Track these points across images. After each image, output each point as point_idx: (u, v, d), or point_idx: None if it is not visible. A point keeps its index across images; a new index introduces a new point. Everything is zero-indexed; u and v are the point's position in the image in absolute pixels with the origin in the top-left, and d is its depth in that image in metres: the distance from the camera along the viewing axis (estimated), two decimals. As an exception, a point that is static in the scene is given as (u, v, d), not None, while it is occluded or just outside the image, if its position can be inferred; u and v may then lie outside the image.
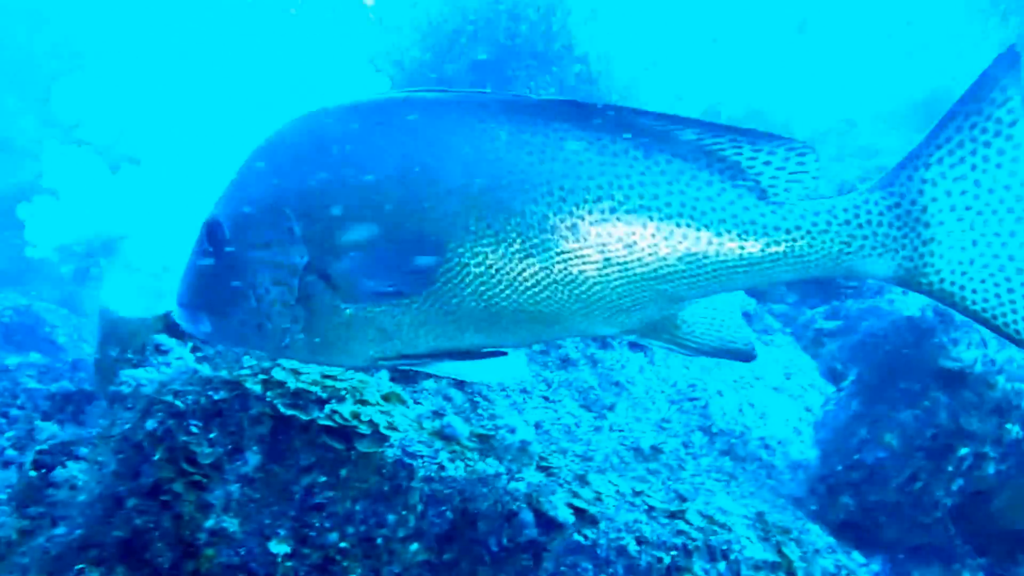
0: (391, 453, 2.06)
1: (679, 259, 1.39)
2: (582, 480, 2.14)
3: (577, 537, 2.03)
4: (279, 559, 1.98)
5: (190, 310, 1.51)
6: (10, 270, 9.65)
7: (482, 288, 1.38)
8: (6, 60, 12.76)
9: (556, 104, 1.38)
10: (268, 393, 2.08)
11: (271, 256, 1.42)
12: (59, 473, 2.18)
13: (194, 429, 2.05)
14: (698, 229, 1.39)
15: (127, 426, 2.12)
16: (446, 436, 2.13)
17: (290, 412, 2.06)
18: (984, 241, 1.37)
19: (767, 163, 1.41)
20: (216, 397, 2.08)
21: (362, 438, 2.05)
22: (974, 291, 1.39)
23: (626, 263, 1.39)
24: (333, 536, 2.01)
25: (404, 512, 2.03)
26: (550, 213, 1.36)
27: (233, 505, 2.01)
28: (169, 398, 2.07)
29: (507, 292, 1.38)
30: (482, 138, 1.37)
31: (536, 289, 1.39)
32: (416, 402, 2.31)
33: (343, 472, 2.04)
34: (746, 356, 1.54)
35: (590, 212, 1.37)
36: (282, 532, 2.01)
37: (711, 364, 2.81)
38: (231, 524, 1.99)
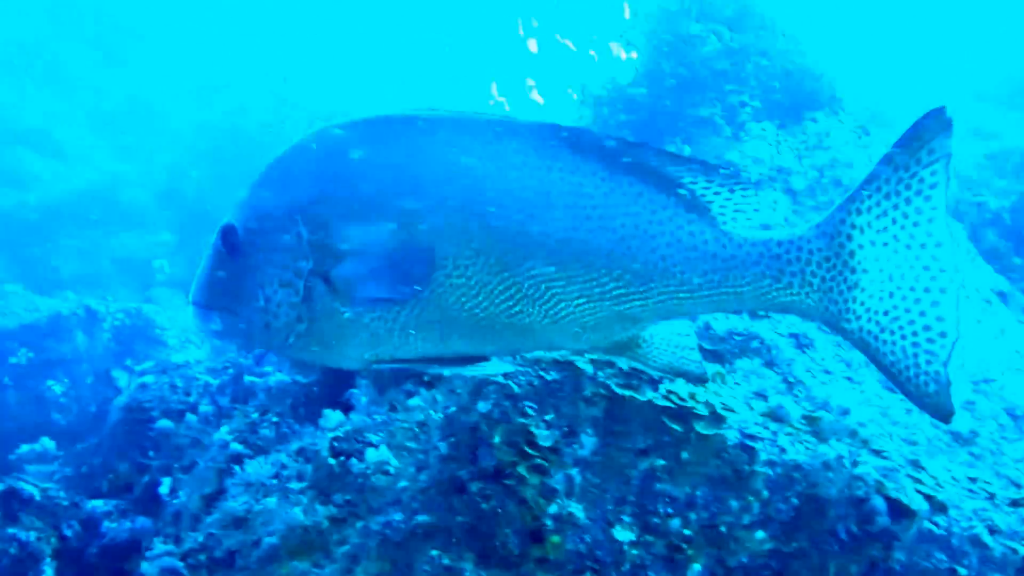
0: (731, 435, 1.99)
1: (631, 278, 1.47)
2: (916, 465, 2.07)
3: (929, 525, 1.95)
4: (624, 546, 1.91)
5: (203, 309, 1.57)
6: (83, 273, 9.62)
7: (463, 299, 1.46)
8: (55, 67, 12.77)
9: (542, 128, 1.46)
10: (599, 373, 2.02)
11: (280, 260, 1.50)
12: (369, 457, 2.11)
13: (530, 411, 1.98)
14: (648, 251, 1.46)
15: (451, 409, 2.06)
16: (778, 417, 2.07)
17: (625, 392, 1.99)
18: (899, 294, 1.41)
19: (717, 193, 1.47)
20: (548, 378, 2.02)
21: (700, 419, 1.98)
22: (884, 342, 1.42)
23: (586, 281, 1.47)
24: (675, 523, 1.94)
25: (749, 498, 1.96)
26: (522, 230, 1.44)
27: (576, 490, 1.95)
28: (500, 379, 2.00)
29: (484, 304, 1.47)
30: (470, 156, 1.45)
31: (510, 303, 1.47)
32: (735, 382, 2.25)
33: (684, 455, 1.98)
34: (698, 379, 1.67)
35: (556, 230, 1.45)
36: (626, 518, 1.94)
37: (988, 346, 2.74)
38: (576, 509, 1.92)
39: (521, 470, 1.92)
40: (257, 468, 2.54)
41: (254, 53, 12.51)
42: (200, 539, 2.38)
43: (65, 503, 3.37)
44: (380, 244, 1.45)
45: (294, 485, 2.25)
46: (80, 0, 13.03)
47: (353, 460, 2.19)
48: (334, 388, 2.98)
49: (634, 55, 3.34)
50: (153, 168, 11.18)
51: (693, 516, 1.95)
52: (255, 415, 2.98)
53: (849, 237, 1.44)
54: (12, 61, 12.75)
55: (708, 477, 1.97)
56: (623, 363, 1.71)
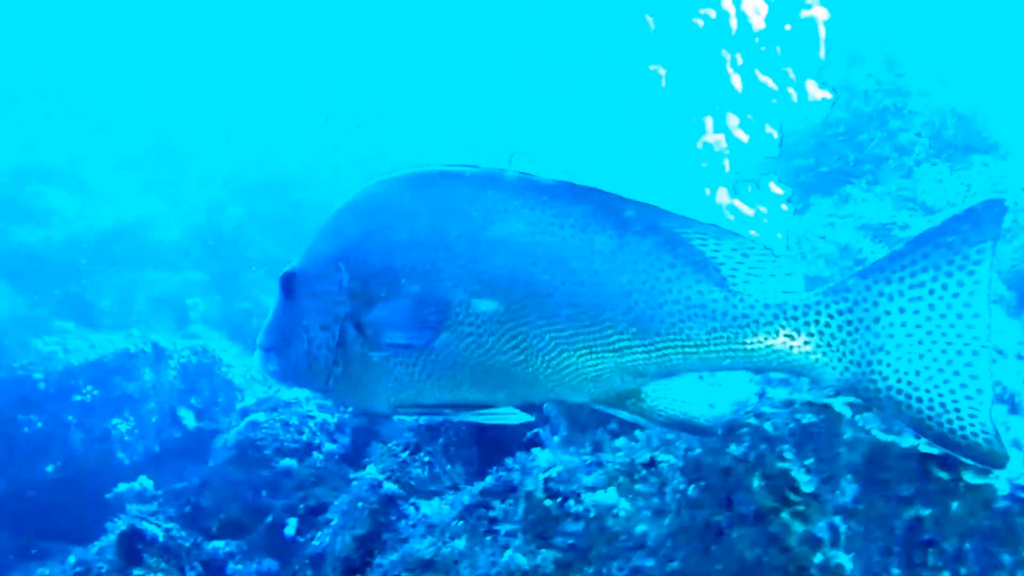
0: (1001, 486, 1.87)
1: (634, 334, 1.50)
2: None
3: None
4: (894, 601, 1.79)
5: (264, 351, 1.68)
6: (118, 310, 9.46)
7: (473, 347, 1.52)
8: (82, 103, 12.73)
9: (557, 186, 1.51)
10: (858, 417, 1.91)
11: (322, 305, 1.60)
12: (591, 499, 1.99)
13: (788, 455, 1.87)
14: (653, 307, 1.49)
15: (695, 451, 1.94)
16: (1041, 469, 1.95)
17: (887, 438, 1.88)
18: (931, 356, 1.44)
19: (729, 256, 1.50)
20: (804, 420, 1.91)
21: (967, 468, 1.87)
22: (919, 400, 1.45)
23: (589, 334, 1.50)
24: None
25: (1022, 553, 1.84)
26: (528, 282, 1.50)
27: (840, 539, 1.82)
28: (754, 421, 1.89)
29: (492, 353, 1.52)
30: (486, 211, 1.51)
31: (515, 352, 1.52)
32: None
33: (953, 505, 1.86)
34: (708, 432, 1.63)
35: (563, 284, 1.49)
36: (894, 570, 1.82)
37: None
38: (843, 560, 1.80)
39: (784, 517, 1.80)
40: (436, 509, 2.41)
41: (294, 91, 12.50)
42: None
43: (187, 544, 3.22)
44: (402, 293, 1.54)
45: (502, 527, 2.12)
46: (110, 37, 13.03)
47: (571, 502, 2.07)
48: (492, 429, 2.86)
49: (827, 95, 3.33)
50: (183, 206, 11.10)
51: (963, 571, 1.83)
52: (404, 454, 2.85)
53: (876, 304, 1.46)
54: (38, 97, 12.74)
55: (977, 529, 1.85)
56: (625, 415, 1.64)
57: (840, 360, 1.47)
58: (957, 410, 1.44)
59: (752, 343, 1.49)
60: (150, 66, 13.95)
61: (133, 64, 13.37)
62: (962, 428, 1.45)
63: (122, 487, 3.92)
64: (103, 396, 5.44)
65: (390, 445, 2.96)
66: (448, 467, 2.91)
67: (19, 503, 5.33)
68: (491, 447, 2.87)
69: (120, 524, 3.30)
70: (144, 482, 3.80)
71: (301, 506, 3.21)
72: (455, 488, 2.70)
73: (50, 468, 5.32)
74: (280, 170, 11.07)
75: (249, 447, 3.57)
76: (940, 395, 1.45)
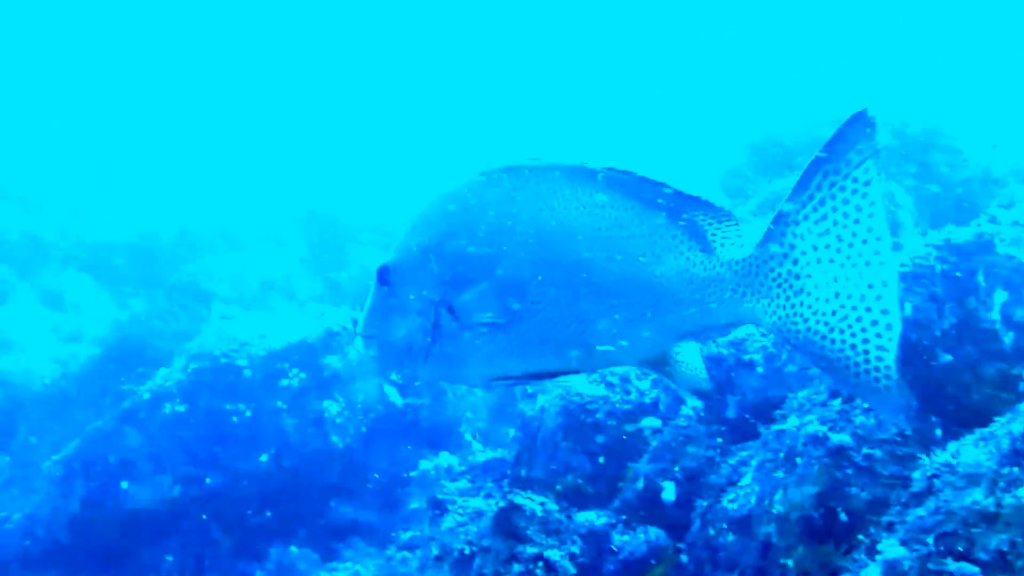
0: None
1: (656, 299, 1.68)
2: None
3: None
4: None
5: (364, 337, 1.88)
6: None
7: (547, 322, 1.72)
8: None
9: (594, 171, 1.68)
10: None
11: (417, 292, 1.80)
12: None
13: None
14: (667, 275, 1.66)
15: None
16: None
17: None
18: (845, 292, 1.50)
19: (710, 224, 1.67)
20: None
21: None
22: (833, 341, 1.50)
23: (629, 304, 1.69)
24: None
25: None
26: (583, 263, 1.68)
27: None
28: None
29: (561, 327, 1.72)
30: (547, 200, 1.71)
31: (578, 324, 1.71)
32: None
33: None
34: (706, 396, 1.91)
35: (606, 261, 1.68)
36: None
37: None
38: None
39: None
40: (973, 457, 2.19)
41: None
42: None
43: (561, 517, 3.01)
44: (486, 278, 1.74)
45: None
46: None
47: None
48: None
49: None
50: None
51: None
52: (835, 403, 2.63)
53: (792, 246, 1.56)
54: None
55: None
56: (665, 378, 1.83)
57: (769, 305, 1.59)
58: (866, 352, 1.48)
59: (713, 300, 1.65)
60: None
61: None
62: (868, 373, 1.49)
63: (426, 464, 3.73)
64: (311, 379, 5.23)
65: (807, 394, 2.75)
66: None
67: (236, 496, 5.15)
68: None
69: (423, 501, 3.10)
70: (448, 458, 3.60)
71: (676, 468, 2.99)
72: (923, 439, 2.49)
73: (264, 457, 5.14)
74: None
75: (579, 412, 3.35)
76: (853, 335, 1.50)
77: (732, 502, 2.69)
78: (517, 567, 2.82)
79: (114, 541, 5.10)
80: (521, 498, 2.95)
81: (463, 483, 3.53)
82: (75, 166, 11.55)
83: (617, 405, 3.32)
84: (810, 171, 1.52)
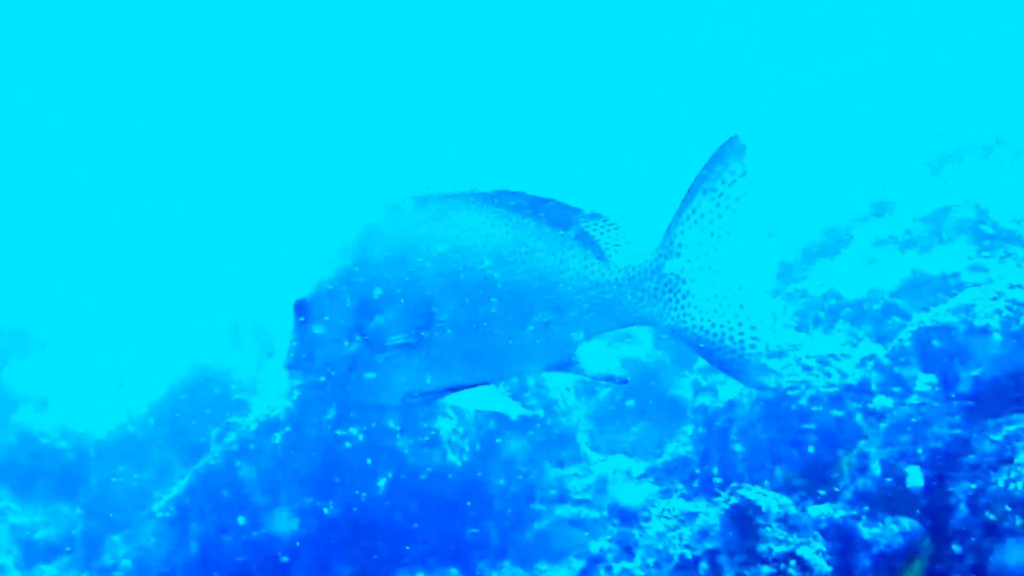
0: None
1: (557, 308, 1.83)
2: None
3: None
4: None
5: (290, 369, 1.99)
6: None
7: (453, 339, 1.84)
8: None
9: (488, 195, 1.83)
10: None
11: (333, 322, 1.90)
12: None
13: None
14: (565, 285, 1.82)
15: None
16: None
17: None
18: (722, 294, 1.73)
19: (602, 232, 1.83)
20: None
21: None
22: (716, 335, 1.73)
23: (532, 314, 1.83)
24: None
25: None
26: (485, 281, 1.82)
27: None
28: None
29: (468, 342, 1.84)
30: (447, 224, 1.84)
31: (484, 338, 1.84)
32: None
33: None
34: (622, 381, 1.93)
35: (508, 276, 1.82)
36: None
37: None
38: None
39: None
40: None
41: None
42: None
43: (797, 511, 2.79)
44: (394, 302, 1.86)
45: None
46: None
47: None
48: None
49: None
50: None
51: None
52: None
53: (678, 254, 1.76)
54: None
55: None
56: (570, 375, 1.98)
57: (664, 309, 1.78)
58: (741, 343, 1.71)
59: (614, 304, 1.82)
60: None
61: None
62: (744, 359, 1.72)
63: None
64: (421, 397, 4.99)
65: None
66: None
67: (356, 524, 4.91)
68: None
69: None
70: (625, 461, 3.38)
71: (919, 451, 2.78)
72: None
73: (382, 482, 4.90)
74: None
75: (779, 400, 3.14)
76: (731, 328, 1.72)
77: (1014, 481, 2.47)
78: (766, 569, 2.60)
79: (233, 581, 4.85)
80: (754, 493, 2.72)
81: (647, 486, 3.30)
82: None
83: (821, 389, 3.11)
84: (693, 188, 1.73)
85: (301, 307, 1.96)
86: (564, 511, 4.92)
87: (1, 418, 8.51)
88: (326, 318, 1.94)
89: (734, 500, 2.71)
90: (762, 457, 3.11)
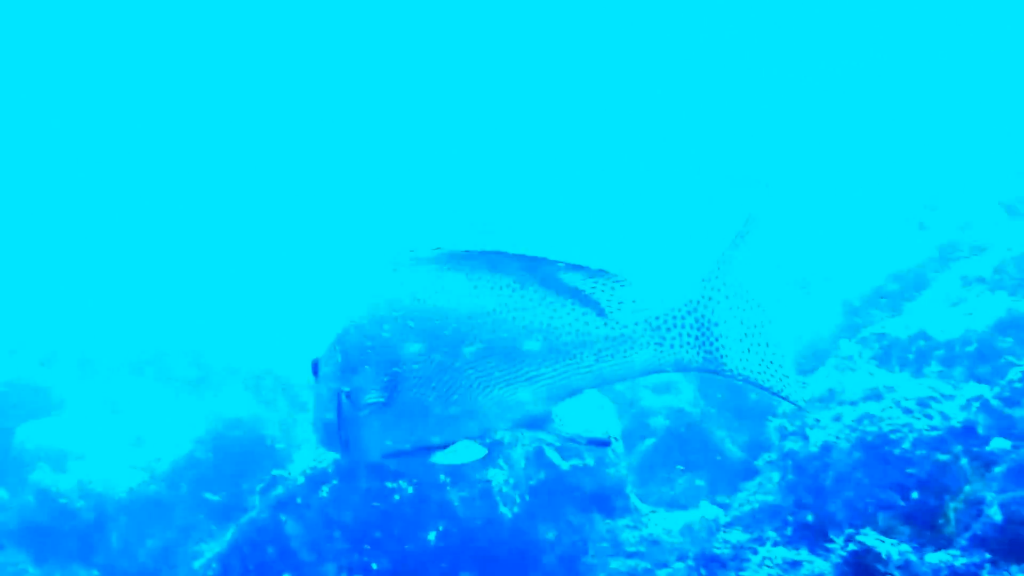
0: None
1: (540, 364, 1.90)
2: None
3: None
4: None
5: (313, 425, 2.19)
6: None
7: (425, 396, 1.94)
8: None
9: (468, 255, 1.89)
10: None
11: (327, 381, 2.07)
12: None
13: None
14: (553, 340, 1.89)
15: None
16: None
17: None
18: (751, 335, 1.87)
19: (604, 290, 1.90)
20: None
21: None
22: (752, 371, 1.87)
23: (509, 371, 1.90)
24: None
25: None
26: (461, 339, 1.90)
27: None
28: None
29: (440, 398, 1.94)
30: (424, 287, 1.93)
31: (457, 394, 1.94)
32: None
33: None
34: (603, 443, 2.01)
35: (485, 334, 1.90)
36: None
37: None
38: None
39: None
40: None
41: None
42: None
43: (915, 558, 2.68)
44: (369, 363, 1.98)
45: None
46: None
47: None
48: None
49: None
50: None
51: None
52: None
53: (711, 299, 1.87)
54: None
55: None
56: (543, 436, 2.02)
57: (698, 352, 1.88)
58: (773, 373, 1.85)
59: (631, 354, 1.89)
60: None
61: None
62: (780, 382, 1.86)
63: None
64: (471, 448, 4.87)
65: None
66: None
67: (406, 581, 4.74)
68: None
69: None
70: (711, 509, 3.27)
71: (1040, 494, 2.68)
72: None
73: (432, 536, 4.74)
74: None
75: (880, 444, 3.05)
76: (761, 362, 1.85)
77: None
78: (892, 619, 2.48)
79: (278, 643, 4.65)
80: (873, 540, 2.62)
81: (735, 535, 3.18)
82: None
83: (924, 432, 3.02)
84: (732, 243, 1.88)
85: (313, 366, 2.15)
86: (619, 564, 4.77)
87: (17, 478, 8.31)
88: (326, 377, 2.10)
89: (852, 547, 2.60)
90: (863, 503, 3.01)
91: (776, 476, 3.36)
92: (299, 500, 4.78)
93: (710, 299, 1.89)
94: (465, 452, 2.04)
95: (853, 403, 3.21)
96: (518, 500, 4.94)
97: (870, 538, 2.60)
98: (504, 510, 4.85)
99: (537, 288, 1.91)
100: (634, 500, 5.24)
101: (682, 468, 5.45)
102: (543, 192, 10.91)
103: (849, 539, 2.61)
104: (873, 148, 8.39)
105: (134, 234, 12.54)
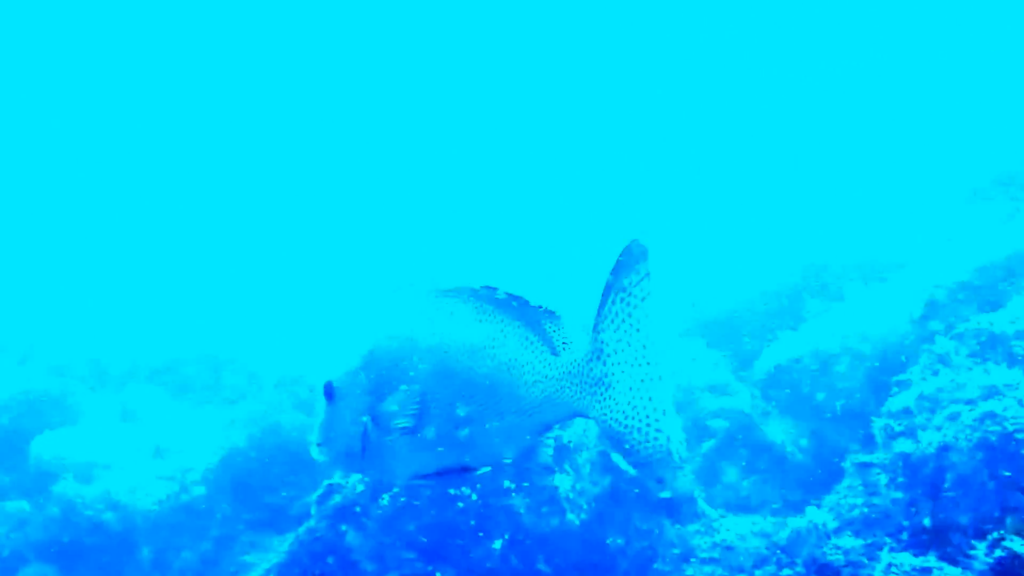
0: None
1: (519, 399, 2.05)
2: None
3: None
4: None
5: (318, 446, 2.25)
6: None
7: (440, 425, 2.10)
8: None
9: (469, 292, 2.09)
10: None
11: (351, 405, 2.18)
12: None
13: None
14: (521, 377, 2.07)
15: None
16: None
17: None
18: (637, 388, 1.93)
19: (556, 329, 2.06)
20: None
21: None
22: (627, 428, 1.95)
23: (502, 404, 2.07)
24: None
25: None
26: (469, 375, 2.08)
27: None
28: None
29: (450, 428, 2.09)
30: (438, 324, 2.08)
31: (465, 426, 2.08)
32: None
33: None
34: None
35: (484, 370, 2.06)
36: None
37: None
38: None
39: None
40: None
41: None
42: None
43: None
44: (398, 391, 2.10)
45: None
46: None
47: None
48: None
49: None
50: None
51: None
52: None
53: (599, 354, 1.97)
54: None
55: None
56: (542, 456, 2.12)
57: (592, 403, 1.97)
58: (647, 433, 1.92)
59: (557, 397, 2.03)
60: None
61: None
62: (648, 448, 1.94)
63: (798, 521, 3.26)
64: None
65: None
66: None
67: (472, 591, 4.59)
68: None
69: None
70: (818, 514, 3.15)
71: None
72: None
73: (498, 544, 4.60)
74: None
75: (1005, 443, 2.93)
76: (639, 420, 1.91)
77: None
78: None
79: (341, 657, 4.50)
80: (1019, 545, 2.50)
81: (847, 541, 3.06)
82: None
83: (1051, 428, 2.90)
84: (606, 291, 1.93)
85: (328, 389, 2.24)
86: (694, 571, 4.63)
87: (38, 489, 8.11)
88: (347, 401, 2.20)
89: (1000, 553, 2.47)
90: (988, 506, 2.88)
91: (884, 478, 3.23)
92: (358, 509, 4.63)
93: (601, 347, 1.99)
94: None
95: (971, 402, 3.09)
96: (585, 506, 4.81)
97: (1017, 544, 2.47)
98: (572, 517, 4.71)
99: (513, 327, 2.09)
100: (702, 504, 5.11)
101: (745, 471, 5.32)
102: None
103: (994, 544, 2.48)
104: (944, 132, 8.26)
105: (145, 242, 12.36)
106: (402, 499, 4.64)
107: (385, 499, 4.64)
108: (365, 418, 2.17)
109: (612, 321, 1.95)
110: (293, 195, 12.97)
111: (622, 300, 1.93)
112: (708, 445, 5.39)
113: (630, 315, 1.93)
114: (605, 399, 1.99)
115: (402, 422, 2.13)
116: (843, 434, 4.98)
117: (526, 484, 4.71)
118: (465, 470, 2.17)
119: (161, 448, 8.49)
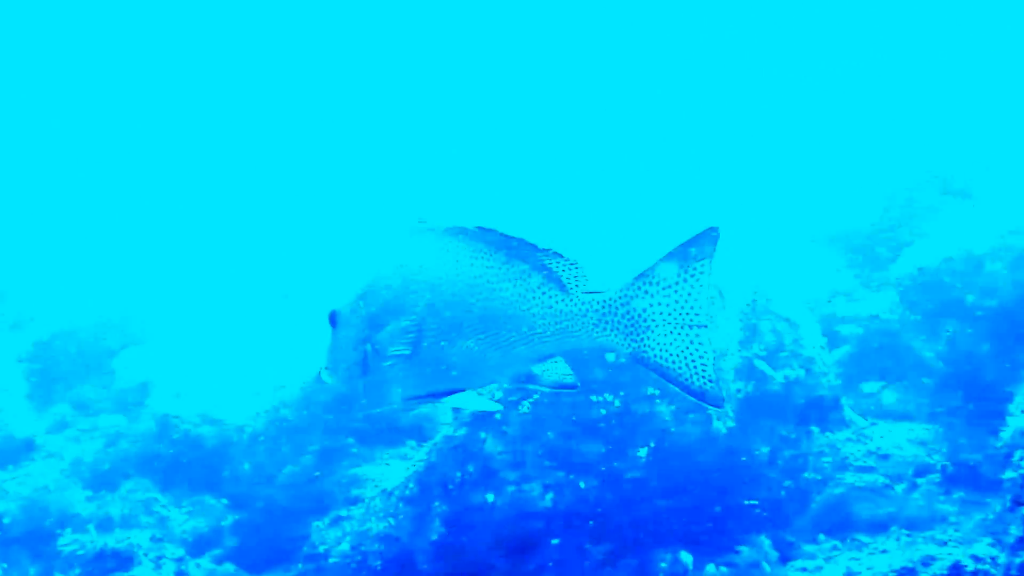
0: None
1: (521, 331, 2.21)
2: None
3: None
4: None
5: (325, 369, 2.42)
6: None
7: (441, 351, 2.24)
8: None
9: (473, 231, 2.23)
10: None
11: (353, 333, 2.33)
12: None
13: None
14: (527, 311, 2.20)
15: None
16: None
17: None
18: (675, 333, 2.12)
19: (565, 270, 2.21)
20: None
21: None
22: (672, 363, 2.12)
23: (500, 335, 2.22)
24: None
25: None
26: (464, 305, 2.21)
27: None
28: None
29: (451, 354, 2.24)
30: (436, 256, 2.25)
31: (463, 352, 2.23)
32: None
33: None
34: (572, 387, 2.28)
35: (483, 302, 2.21)
36: None
37: None
38: None
39: None
40: None
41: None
42: None
43: None
44: (396, 320, 2.27)
45: None
46: None
47: None
48: None
49: None
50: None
51: None
52: None
53: (645, 301, 2.13)
54: None
55: None
56: (529, 387, 2.28)
57: (626, 338, 2.15)
58: (694, 370, 2.10)
59: (577, 330, 2.18)
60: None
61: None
62: (698, 382, 2.10)
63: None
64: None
65: None
66: None
67: (612, 500, 4.41)
68: None
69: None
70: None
71: None
72: None
73: (643, 452, 4.40)
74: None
75: None
76: (683, 358, 2.10)
77: None
78: None
79: (482, 562, 4.36)
80: None
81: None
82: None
83: None
84: (673, 255, 2.08)
85: (332, 317, 2.35)
86: (853, 479, 4.41)
87: (131, 404, 8.03)
88: (348, 328, 2.31)
89: None
90: None
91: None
92: (498, 416, 4.44)
93: (636, 296, 2.11)
94: (474, 402, 2.33)
95: None
96: (730, 413, 4.58)
97: None
98: (718, 424, 4.49)
99: (520, 263, 2.18)
100: (848, 412, 4.87)
101: (882, 379, 5.04)
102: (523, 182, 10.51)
103: None
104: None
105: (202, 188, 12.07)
106: (543, 405, 4.44)
107: (525, 406, 4.44)
108: (368, 346, 2.28)
109: (667, 279, 2.09)
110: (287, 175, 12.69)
111: (684, 269, 2.07)
112: (843, 350, 5.11)
113: (686, 281, 2.08)
114: (644, 339, 2.13)
115: (398, 348, 2.24)
116: (1003, 340, 4.67)
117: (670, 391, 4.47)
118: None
119: (253, 364, 8.36)
